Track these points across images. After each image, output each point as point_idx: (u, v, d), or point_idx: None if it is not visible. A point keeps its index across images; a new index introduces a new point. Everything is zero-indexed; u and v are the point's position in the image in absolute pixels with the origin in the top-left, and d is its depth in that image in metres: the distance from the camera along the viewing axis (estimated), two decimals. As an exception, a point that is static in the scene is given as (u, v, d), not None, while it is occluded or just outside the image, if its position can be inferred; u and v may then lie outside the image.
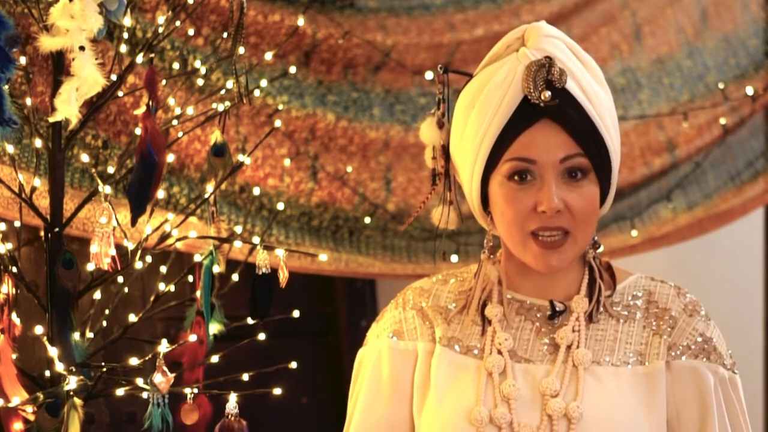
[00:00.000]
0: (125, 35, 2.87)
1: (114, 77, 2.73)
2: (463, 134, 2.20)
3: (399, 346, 2.27)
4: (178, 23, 2.93)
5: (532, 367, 2.19)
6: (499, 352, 2.20)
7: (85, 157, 2.89)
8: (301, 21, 3.36)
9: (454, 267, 2.39)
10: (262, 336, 2.90)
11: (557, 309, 2.22)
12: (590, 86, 2.17)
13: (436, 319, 2.27)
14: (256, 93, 3.18)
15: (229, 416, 2.58)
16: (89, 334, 2.78)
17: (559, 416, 2.14)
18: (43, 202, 2.76)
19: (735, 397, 2.22)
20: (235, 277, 2.98)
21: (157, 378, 2.49)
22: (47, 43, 2.51)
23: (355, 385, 2.31)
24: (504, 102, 2.15)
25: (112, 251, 2.58)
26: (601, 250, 2.26)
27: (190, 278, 2.84)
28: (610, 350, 2.20)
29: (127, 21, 2.62)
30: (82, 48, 2.49)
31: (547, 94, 2.12)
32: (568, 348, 2.19)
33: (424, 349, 2.26)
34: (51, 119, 2.56)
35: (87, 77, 2.50)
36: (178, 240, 2.78)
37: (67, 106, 2.50)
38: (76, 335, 2.68)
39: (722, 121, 3.89)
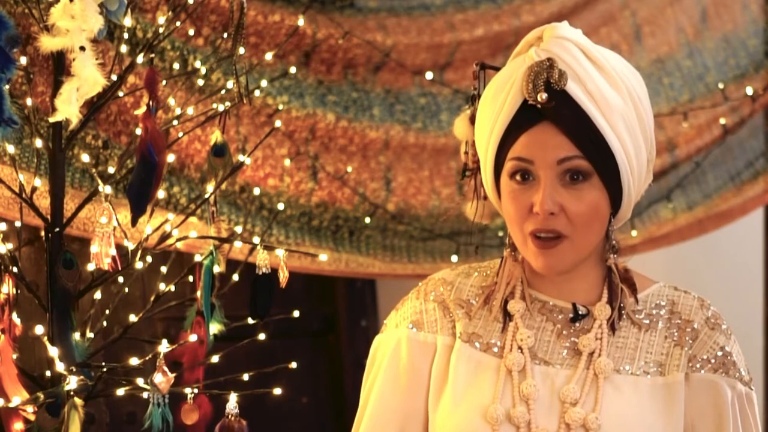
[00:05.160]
0: (125, 35, 2.87)
1: (114, 77, 2.73)
2: (479, 129, 2.21)
3: (418, 337, 2.25)
4: (178, 23, 2.94)
5: (551, 370, 2.18)
6: (520, 349, 2.19)
7: (85, 157, 2.90)
8: (301, 21, 3.36)
9: (454, 267, 2.38)
10: (262, 336, 2.90)
11: (580, 312, 2.20)
12: (597, 88, 2.13)
13: (457, 313, 2.24)
14: (256, 93, 3.18)
15: (229, 416, 2.58)
16: (89, 334, 2.78)
17: (578, 426, 2.12)
18: (43, 202, 2.76)
19: (750, 413, 2.20)
20: (235, 277, 2.97)
21: (158, 378, 2.50)
22: (48, 44, 2.51)
23: (371, 371, 2.28)
24: (507, 103, 2.15)
25: (113, 251, 2.58)
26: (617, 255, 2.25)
27: (190, 278, 2.84)
28: (631, 359, 2.18)
29: (128, 21, 2.62)
30: (82, 48, 2.49)
31: (544, 96, 2.11)
32: (590, 355, 2.18)
33: (443, 342, 2.23)
34: (51, 119, 2.56)
35: (87, 77, 2.50)
36: (179, 240, 2.79)
37: (68, 106, 2.51)
38: (77, 335, 2.68)
39: (722, 121, 3.89)
